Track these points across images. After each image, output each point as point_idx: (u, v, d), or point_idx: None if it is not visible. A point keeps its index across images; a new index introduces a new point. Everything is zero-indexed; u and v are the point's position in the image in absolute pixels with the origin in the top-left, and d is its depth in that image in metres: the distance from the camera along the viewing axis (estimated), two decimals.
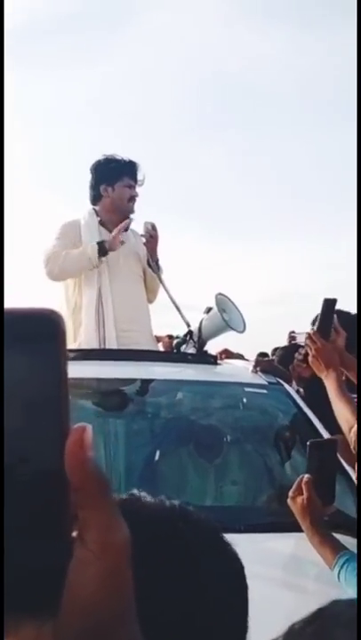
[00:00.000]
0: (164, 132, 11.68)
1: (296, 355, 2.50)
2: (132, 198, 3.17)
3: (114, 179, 3.08)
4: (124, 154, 3.20)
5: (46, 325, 0.35)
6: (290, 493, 1.65)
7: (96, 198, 3.19)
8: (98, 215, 3.15)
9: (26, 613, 0.34)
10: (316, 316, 2.91)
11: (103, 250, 2.98)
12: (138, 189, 3.19)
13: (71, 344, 3.06)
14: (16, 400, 0.34)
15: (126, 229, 3.11)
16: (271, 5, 10.23)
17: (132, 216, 3.21)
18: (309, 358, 1.97)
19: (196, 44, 10.73)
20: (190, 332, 2.96)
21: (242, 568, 0.68)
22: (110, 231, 3.16)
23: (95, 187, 3.18)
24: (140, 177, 3.18)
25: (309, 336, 1.99)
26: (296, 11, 9.81)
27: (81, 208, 3.27)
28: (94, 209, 3.18)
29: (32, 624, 0.34)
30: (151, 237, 3.12)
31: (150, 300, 3.27)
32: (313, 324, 2.96)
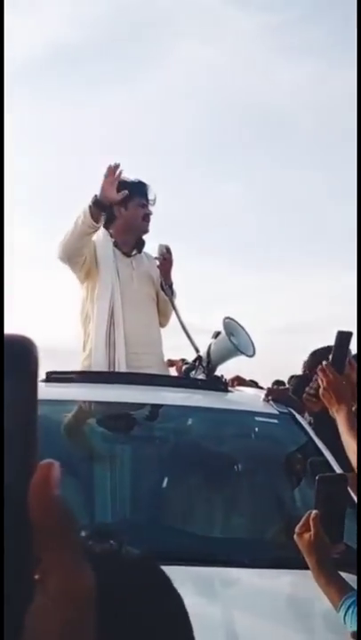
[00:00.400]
0: (184, 159, 11.77)
1: (307, 389, 2.44)
2: (146, 217, 3.16)
3: (126, 199, 3.08)
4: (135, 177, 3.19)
5: (17, 353, 0.34)
6: (296, 529, 1.58)
7: (109, 220, 3.18)
8: (112, 237, 3.14)
9: None
10: (315, 350, 2.83)
11: (99, 204, 2.90)
12: (151, 209, 3.18)
13: (80, 354, 3.05)
14: None
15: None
16: (299, 39, 10.32)
17: (145, 237, 3.20)
18: (320, 391, 1.92)
19: (218, 74, 10.85)
20: (199, 358, 2.93)
21: (183, 607, 0.63)
22: (125, 253, 3.16)
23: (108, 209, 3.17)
24: (150, 197, 3.17)
25: (322, 368, 1.93)
26: (324, 45, 9.89)
27: None
28: (109, 232, 3.18)
29: None
30: (165, 260, 3.10)
31: (163, 325, 3.24)
32: (312, 357, 2.90)
